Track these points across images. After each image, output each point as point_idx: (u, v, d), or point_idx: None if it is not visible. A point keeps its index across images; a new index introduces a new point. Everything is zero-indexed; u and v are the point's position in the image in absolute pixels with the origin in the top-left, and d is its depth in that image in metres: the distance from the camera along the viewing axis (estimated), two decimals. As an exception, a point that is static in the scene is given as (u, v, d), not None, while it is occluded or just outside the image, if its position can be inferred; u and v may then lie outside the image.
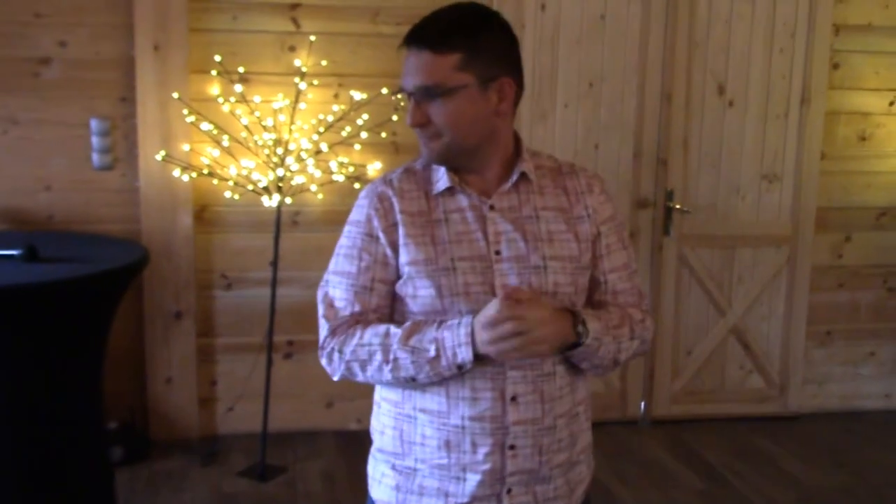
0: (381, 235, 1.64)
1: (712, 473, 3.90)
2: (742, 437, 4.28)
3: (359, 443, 4.00)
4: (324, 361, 1.67)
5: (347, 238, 1.69)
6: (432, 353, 1.54)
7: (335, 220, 3.91)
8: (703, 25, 4.17)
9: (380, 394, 1.74)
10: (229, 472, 3.76)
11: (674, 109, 4.20)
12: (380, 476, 1.73)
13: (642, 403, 4.40)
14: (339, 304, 1.66)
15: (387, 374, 1.60)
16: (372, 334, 1.60)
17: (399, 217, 1.64)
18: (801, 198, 4.36)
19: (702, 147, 4.26)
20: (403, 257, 1.62)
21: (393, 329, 1.59)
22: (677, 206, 4.24)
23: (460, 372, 1.56)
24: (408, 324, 1.60)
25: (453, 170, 1.66)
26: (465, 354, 1.53)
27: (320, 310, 1.69)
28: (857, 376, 4.62)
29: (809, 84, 4.27)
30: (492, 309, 1.50)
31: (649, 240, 4.28)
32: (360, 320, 1.64)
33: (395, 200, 1.66)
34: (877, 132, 4.41)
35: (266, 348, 3.78)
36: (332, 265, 1.70)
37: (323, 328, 1.67)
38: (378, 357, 1.59)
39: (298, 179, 3.74)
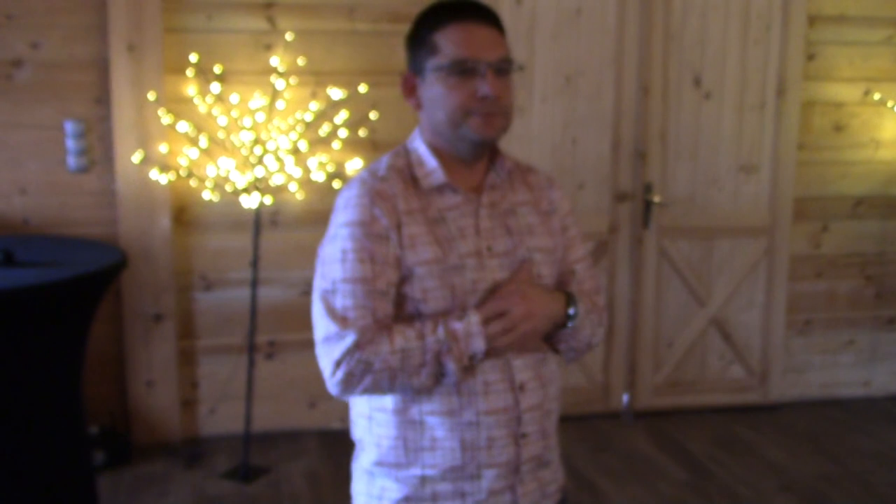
0: (391, 235, 1.56)
1: (695, 464, 3.92)
2: (724, 428, 4.31)
3: (342, 442, 3.98)
4: (338, 378, 1.53)
5: (352, 240, 1.56)
6: (450, 346, 1.53)
7: (315, 218, 3.91)
8: (679, 18, 4.19)
9: (370, 405, 1.65)
10: (212, 474, 3.74)
11: (651, 102, 4.21)
12: (379, 491, 1.66)
13: (625, 396, 4.42)
14: (355, 313, 1.53)
15: (422, 379, 1.54)
16: (402, 338, 1.52)
17: (402, 216, 1.58)
18: (779, 188, 4.39)
19: (679, 139, 4.28)
20: (411, 258, 1.56)
21: (419, 328, 1.54)
22: (656, 199, 4.26)
23: (471, 363, 1.55)
24: (427, 323, 1.55)
25: (442, 164, 1.64)
26: (478, 345, 1.54)
27: (330, 324, 1.55)
28: (836, 364, 4.66)
29: (785, 75, 4.30)
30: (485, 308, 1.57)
31: (629, 233, 4.30)
32: (382, 327, 1.54)
33: (398, 198, 1.59)
34: (852, 122, 4.45)
35: (247, 349, 3.76)
36: (336, 272, 1.56)
37: (339, 342, 1.53)
38: (414, 360, 1.52)
39: (277, 179, 3.72)
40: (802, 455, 4.03)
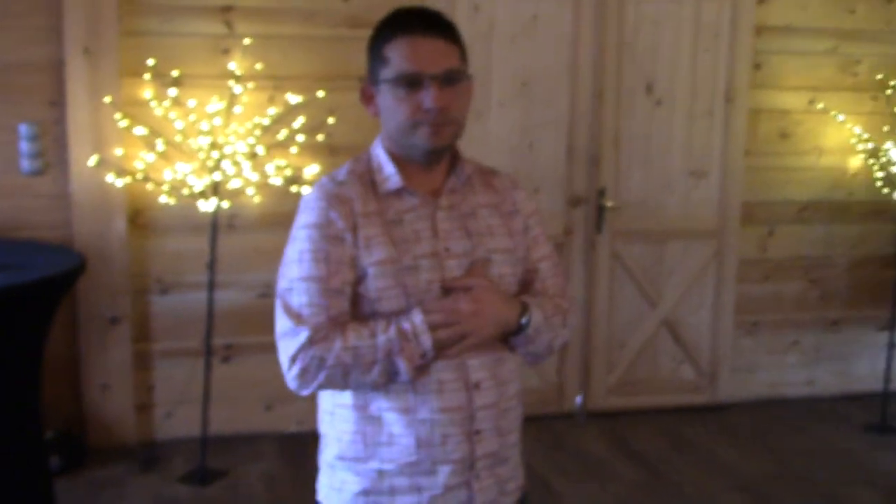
0: (346, 236, 1.62)
1: (646, 463, 4.01)
2: (674, 427, 4.42)
3: (299, 445, 4.02)
4: (294, 374, 1.60)
5: (309, 241, 1.63)
6: (401, 346, 1.58)
7: (272, 222, 3.93)
8: (632, 27, 4.28)
9: (333, 401, 1.72)
10: (169, 477, 3.74)
11: (604, 108, 4.30)
12: (340, 484, 1.72)
13: (579, 397, 4.50)
14: (310, 310, 1.60)
15: (374, 376, 1.59)
16: (355, 336, 1.58)
17: (359, 218, 1.64)
18: (727, 193, 4.51)
19: (632, 145, 4.37)
20: (366, 258, 1.62)
21: (373, 327, 1.60)
22: (609, 203, 4.35)
23: (424, 361, 1.60)
24: (381, 322, 1.60)
25: (400, 169, 1.69)
26: (425, 342, 1.59)
27: (286, 321, 1.62)
28: (782, 365, 4.80)
29: (733, 83, 4.42)
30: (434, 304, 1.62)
31: (583, 236, 4.38)
32: (336, 325, 1.60)
33: (355, 202, 1.65)
34: (797, 130, 4.59)
35: (204, 352, 3.77)
36: (294, 271, 1.64)
37: (293, 338, 1.60)
38: (367, 358, 1.58)
39: (235, 183, 3.73)
40: (750, 453, 4.14)
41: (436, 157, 1.70)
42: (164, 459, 3.89)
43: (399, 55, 1.62)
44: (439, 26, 1.65)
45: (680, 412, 4.57)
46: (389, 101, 1.64)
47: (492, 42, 4.13)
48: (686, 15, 4.32)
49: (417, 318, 1.59)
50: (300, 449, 3.98)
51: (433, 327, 1.60)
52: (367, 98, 1.71)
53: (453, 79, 1.63)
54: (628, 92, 4.33)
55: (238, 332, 4.05)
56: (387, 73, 1.63)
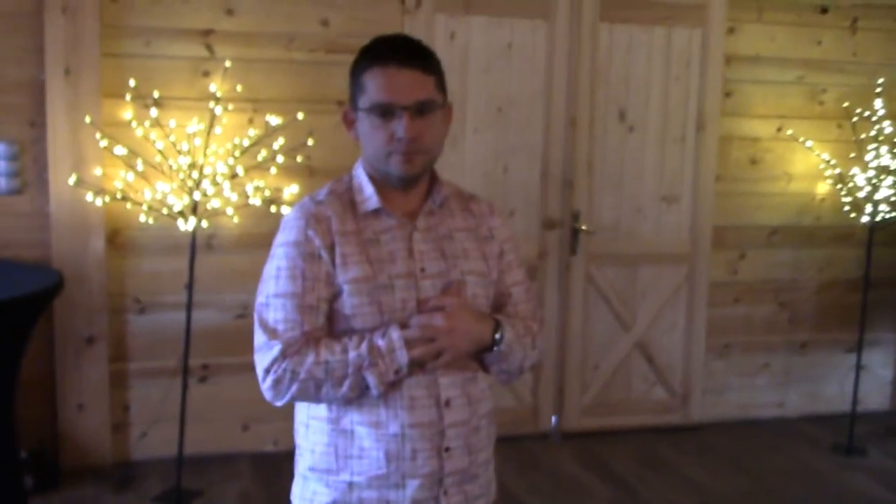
0: (322, 254, 1.68)
1: (620, 483, 4.06)
2: (648, 447, 4.47)
3: (275, 465, 4.02)
4: (267, 385, 1.66)
5: (286, 259, 1.69)
6: (372, 361, 1.63)
7: (251, 242, 3.96)
8: (605, 54, 4.38)
9: (308, 413, 1.76)
10: (143, 497, 3.73)
11: (578, 134, 4.39)
12: (311, 495, 1.76)
13: (553, 417, 4.54)
14: (284, 325, 1.66)
15: (345, 390, 1.64)
16: (327, 351, 1.63)
17: (336, 237, 1.69)
18: (699, 217, 4.60)
19: (605, 170, 4.46)
20: (342, 275, 1.67)
21: (345, 343, 1.64)
22: (583, 227, 4.42)
23: (397, 377, 1.65)
24: (354, 338, 1.65)
25: (379, 191, 1.74)
26: (401, 358, 1.64)
27: (261, 335, 1.68)
28: (753, 386, 4.88)
29: (704, 110, 4.53)
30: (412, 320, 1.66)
31: (557, 259, 4.45)
32: (310, 339, 1.65)
33: (332, 220, 1.70)
34: (766, 156, 4.70)
35: (181, 372, 3.78)
36: (270, 287, 1.69)
37: (268, 351, 1.66)
38: (337, 373, 1.63)
39: (214, 203, 3.77)
40: (721, 473, 4.20)
41: (410, 183, 1.75)
42: (138, 479, 3.88)
43: (374, 85, 1.67)
44: (416, 57, 1.70)
45: (653, 432, 4.63)
46: (366, 127, 1.70)
47: (467, 69, 4.22)
48: (658, 44, 4.44)
49: (395, 334, 1.64)
50: (276, 468, 3.99)
51: (409, 344, 1.64)
52: (349, 122, 1.77)
53: (425, 110, 1.68)
54: (601, 118, 4.42)
55: (215, 353, 4.06)
56: (363, 101, 1.69)
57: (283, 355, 1.64)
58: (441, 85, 1.73)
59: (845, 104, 4.67)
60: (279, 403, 1.69)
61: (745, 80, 4.60)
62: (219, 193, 3.76)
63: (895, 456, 4.48)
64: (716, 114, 4.55)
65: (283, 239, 1.72)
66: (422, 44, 1.74)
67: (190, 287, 3.72)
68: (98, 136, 3.71)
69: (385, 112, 1.66)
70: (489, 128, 4.28)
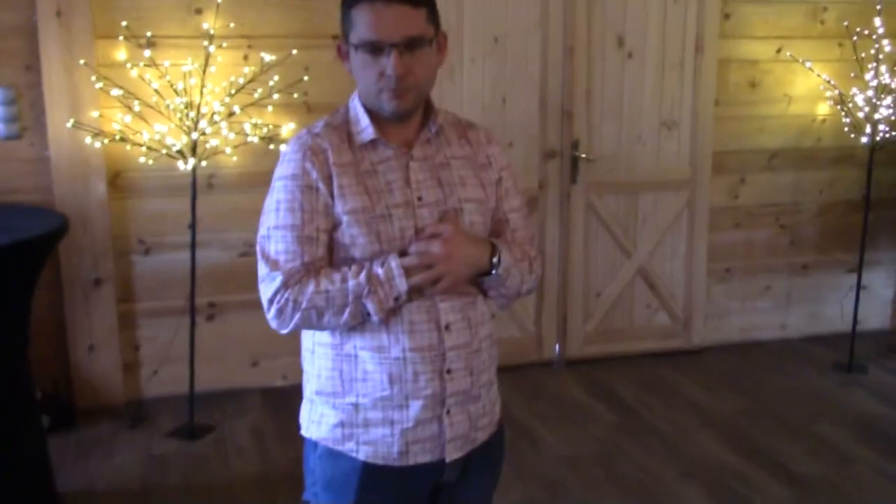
0: (320, 186, 1.70)
1: (624, 406, 4.14)
2: (650, 372, 4.54)
3: (285, 398, 4.10)
4: (272, 314, 1.70)
5: (285, 192, 1.72)
6: (371, 289, 1.66)
7: (251, 181, 3.98)
8: (602, -21, 4.32)
9: (313, 340, 1.81)
10: (158, 433, 3.82)
11: (576, 62, 4.35)
12: (318, 417, 1.82)
13: (556, 346, 4.61)
14: (285, 256, 1.69)
15: (346, 317, 1.68)
16: (327, 281, 1.67)
17: (333, 168, 1.71)
18: (698, 143, 4.59)
19: (604, 98, 4.43)
20: (340, 206, 1.70)
21: (345, 273, 1.68)
22: (583, 156, 4.42)
23: (397, 304, 1.69)
24: (353, 267, 1.69)
25: (375, 122, 1.75)
26: (400, 286, 1.67)
27: (264, 266, 1.71)
28: (754, 309, 4.93)
29: (702, 34, 4.48)
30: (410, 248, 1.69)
31: (558, 189, 4.46)
32: (310, 270, 1.69)
33: (329, 152, 1.72)
34: (766, 78, 4.66)
35: (189, 311, 3.83)
36: (270, 220, 1.72)
37: (271, 282, 1.69)
38: (338, 301, 1.66)
39: (213, 142, 3.77)
40: (723, 394, 4.28)
41: (403, 117, 1.75)
42: (152, 416, 3.96)
43: (362, 22, 1.66)
44: None
45: (655, 357, 4.69)
46: (357, 63, 1.70)
47: (463, -3, 4.17)
48: (655, -34, 4.37)
49: (394, 262, 1.67)
50: (286, 402, 4.07)
51: (408, 271, 1.67)
52: (343, 55, 1.77)
53: (414, 45, 1.67)
54: (599, 45, 4.38)
55: (220, 291, 4.11)
56: (353, 37, 1.69)
57: (285, 285, 1.68)
58: (432, 17, 1.72)
59: (845, 23, 4.61)
60: (284, 331, 1.73)
61: (744, 0, 4.54)
62: (217, 132, 3.76)
63: (895, 372, 4.55)
64: (714, 36, 4.50)
65: (282, 172, 1.74)
66: None
67: (193, 227, 3.74)
68: (93, 77, 3.69)
69: (374, 49, 1.66)
70: (486, 58, 4.25)
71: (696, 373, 4.54)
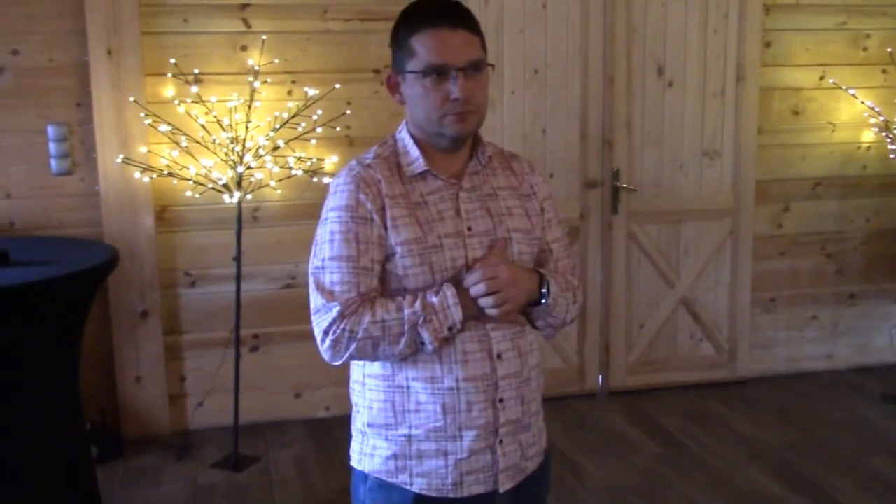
0: (374, 217, 1.72)
1: (668, 438, 4.09)
2: (695, 403, 4.49)
3: (328, 429, 4.12)
4: (327, 345, 1.70)
5: (339, 223, 1.73)
6: (426, 317, 1.67)
7: (294, 213, 4.04)
8: (641, 9, 4.34)
9: (363, 371, 1.82)
10: (203, 464, 3.85)
11: (616, 92, 4.37)
12: (370, 449, 1.82)
13: (600, 377, 4.58)
14: (340, 287, 1.69)
15: (401, 347, 1.69)
16: (383, 310, 1.68)
17: (386, 200, 1.73)
18: (741, 171, 4.56)
19: (644, 127, 4.43)
20: (393, 238, 1.71)
21: (400, 302, 1.69)
22: (624, 185, 4.41)
23: (451, 333, 1.70)
24: (407, 297, 1.70)
25: (424, 154, 1.78)
26: (455, 315, 1.68)
27: (319, 297, 1.71)
28: (800, 340, 4.85)
29: (744, 62, 4.47)
30: (472, 275, 1.70)
31: (599, 218, 4.45)
32: (366, 300, 1.69)
33: (382, 184, 1.74)
34: (809, 106, 4.63)
35: (234, 342, 3.87)
36: (325, 251, 1.73)
37: (326, 313, 1.69)
38: (394, 330, 1.67)
39: (257, 175, 3.83)
40: (770, 426, 4.21)
41: (460, 143, 1.79)
42: (197, 447, 4.00)
43: (425, 48, 1.70)
44: (463, 18, 1.74)
45: (700, 388, 4.64)
46: (417, 90, 1.73)
47: (503, 30, 4.21)
48: (695, -4, 4.39)
49: (448, 291, 1.69)
50: (328, 433, 4.09)
51: (475, 297, 1.68)
52: (393, 86, 1.80)
53: (477, 69, 1.72)
54: (639, 74, 4.39)
55: (264, 323, 4.15)
56: (413, 64, 1.72)
57: (342, 316, 1.68)
58: (484, 46, 1.77)
59: (889, 49, 4.57)
60: (338, 363, 1.74)
61: (785, 28, 4.53)
62: (261, 166, 3.83)
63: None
64: (756, 65, 4.49)
65: (335, 203, 1.75)
66: (462, 5, 1.77)
67: (238, 259, 3.80)
68: (142, 114, 3.78)
69: (439, 73, 1.69)
70: (526, 89, 4.28)
71: (741, 404, 4.47)
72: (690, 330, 4.67)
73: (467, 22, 1.74)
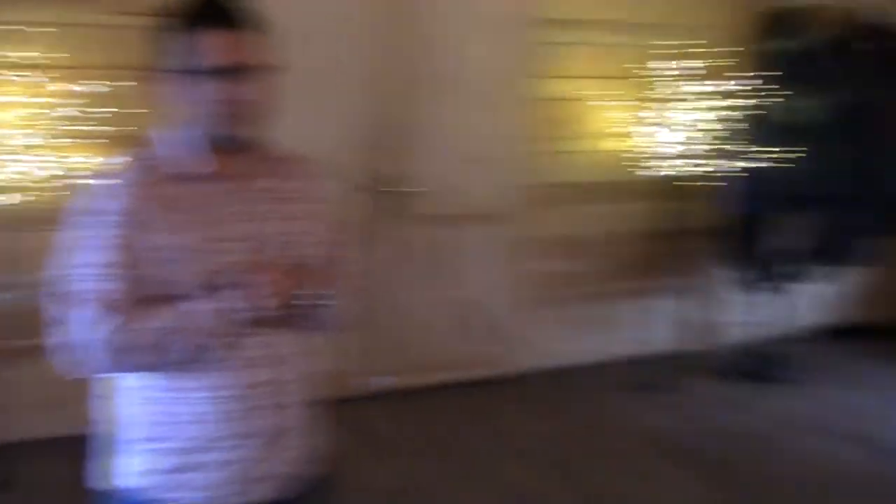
0: (128, 220, 1.65)
1: (437, 438, 4.19)
2: (468, 402, 4.62)
3: (86, 446, 3.87)
4: (83, 357, 1.64)
5: (90, 229, 1.66)
6: (186, 327, 1.62)
7: (45, 218, 3.71)
8: (416, 17, 4.40)
9: (120, 384, 1.75)
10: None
11: (390, 97, 4.42)
12: (125, 466, 1.76)
13: (372, 378, 4.61)
14: (93, 296, 1.62)
15: (167, 357, 1.63)
16: (146, 320, 1.62)
17: (145, 202, 1.65)
18: (512, 177, 4.76)
19: (419, 132, 4.51)
20: (153, 241, 1.64)
21: (157, 312, 1.62)
22: (399, 189, 4.47)
23: (205, 342, 1.65)
24: (172, 305, 1.63)
25: (194, 153, 1.71)
26: (209, 323, 1.64)
27: (71, 307, 1.64)
28: (570, 336, 5.12)
29: (516, 72, 4.65)
30: (234, 279, 1.66)
31: (373, 222, 4.49)
32: (118, 308, 1.62)
33: (137, 186, 1.67)
34: (573, 116, 4.90)
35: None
36: (78, 258, 1.65)
37: (79, 324, 1.63)
38: (148, 340, 1.62)
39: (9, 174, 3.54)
40: (540, 420, 4.42)
41: (230, 145, 1.73)
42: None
43: (208, 46, 1.64)
44: (240, 19, 1.68)
45: (475, 386, 4.77)
46: (188, 89, 1.67)
47: (284, 34, 4.11)
48: (468, 5, 4.50)
49: (205, 299, 1.64)
50: (87, 450, 3.83)
51: (232, 306, 1.64)
52: (164, 85, 1.71)
53: (256, 70, 1.67)
54: (413, 81, 4.45)
55: (11, 336, 3.83)
56: (190, 62, 1.65)
57: (99, 326, 1.60)
58: (269, 47, 1.73)
59: (631, 65, 4.85)
60: (97, 377, 1.68)
61: (555, 41, 4.71)
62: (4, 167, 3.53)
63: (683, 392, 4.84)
64: (527, 75, 4.67)
65: (87, 207, 1.67)
66: (246, 6, 1.72)
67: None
68: None
69: (221, 74, 1.64)
70: (300, 93, 4.22)
71: (514, 402, 4.65)
72: (465, 329, 4.80)
73: (249, 22, 1.69)
